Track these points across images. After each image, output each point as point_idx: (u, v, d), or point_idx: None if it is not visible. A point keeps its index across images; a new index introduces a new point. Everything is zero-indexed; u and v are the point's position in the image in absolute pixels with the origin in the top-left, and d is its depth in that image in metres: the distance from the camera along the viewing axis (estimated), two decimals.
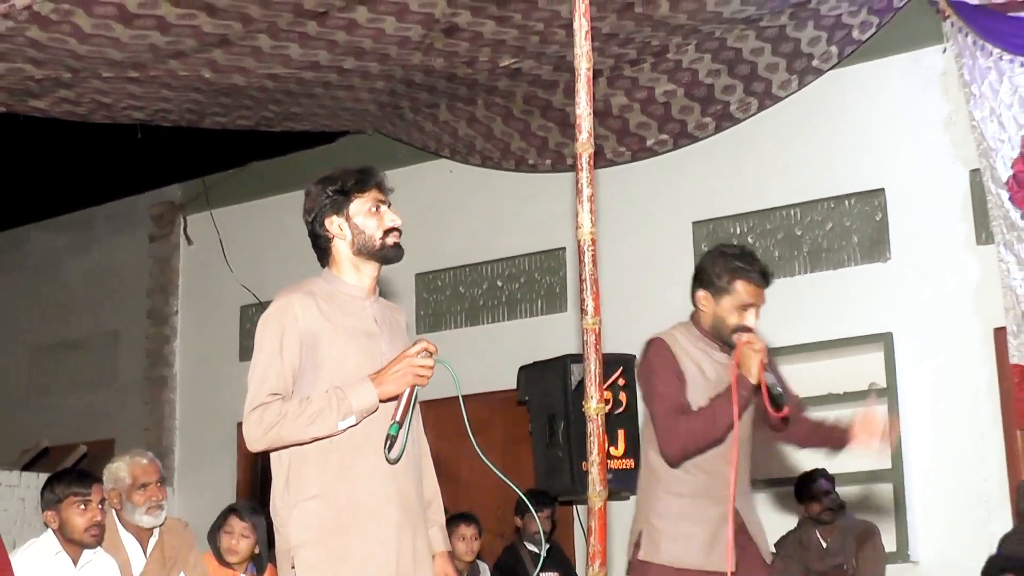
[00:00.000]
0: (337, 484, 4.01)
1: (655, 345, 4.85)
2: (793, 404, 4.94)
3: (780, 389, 4.65)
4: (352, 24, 8.41)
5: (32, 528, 5.64)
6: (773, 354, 9.92)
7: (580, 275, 4.73)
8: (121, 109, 9.54)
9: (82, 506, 5.47)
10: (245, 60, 8.80)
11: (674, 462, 4.69)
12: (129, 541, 5.78)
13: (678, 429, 4.61)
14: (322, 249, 4.35)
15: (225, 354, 12.86)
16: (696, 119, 10.30)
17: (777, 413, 4.59)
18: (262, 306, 12.02)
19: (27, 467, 11.07)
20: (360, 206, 4.23)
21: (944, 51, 9.70)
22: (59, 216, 14.04)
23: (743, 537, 4.67)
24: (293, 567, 3.97)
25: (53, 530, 5.50)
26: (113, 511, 5.78)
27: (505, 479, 4.39)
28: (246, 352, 12.51)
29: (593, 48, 7.77)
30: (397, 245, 4.22)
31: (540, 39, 8.85)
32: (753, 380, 4.54)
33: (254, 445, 3.98)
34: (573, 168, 5.20)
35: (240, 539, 6.53)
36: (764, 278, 4.86)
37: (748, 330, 4.68)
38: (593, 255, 4.78)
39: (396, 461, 3.97)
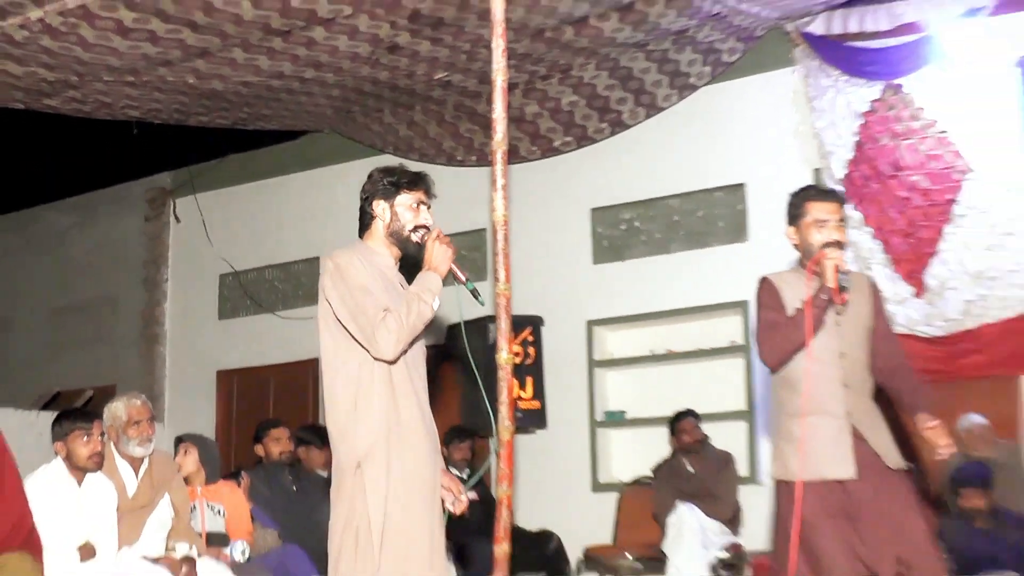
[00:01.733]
0: (391, 412, 4.09)
1: (761, 283, 4.66)
2: (894, 360, 4.67)
3: (845, 283, 4.33)
4: (311, 41, 8.45)
5: (47, 460, 5.65)
6: (660, 317, 10.20)
7: (494, 250, 4.76)
8: (120, 108, 9.52)
9: (85, 438, 5.53)
10: (223, 69, 8.81)
11: (772, 366, 4.50)
12: (124, 467, 5.82)
13: (770, 338, 4.43)
14: (364, 223, 4.36)
15: (207, 314, 12.89)
16: (595, 124, 10.39)
17: (841, 296, 4.29)
18: (237, 275, 12.27)
19: (43, 408, 11.08)
20: (405, 200, 4.28)
21: (794, 72, 9.81)
22: (67, 198, 13.97)
23: (863, 447, 4.36)
24: (359, 467, 4.03)
25: (62, 458, 5.56)
26: (111, 443, 5.83)
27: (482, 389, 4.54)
28: (224, 312, 12.82)
29: (509, 65, 7.89)
30: (419, 244, 4.24)
31: (467, 57, 8.94)
32: (830, 284, 4.28)
33: (394, 349, 4.01)
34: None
35: (189, 457, 6.60)
36: (828, 193, 4.68)
37: (830, 244, 4.42)
38: (505, 234, 4.90)
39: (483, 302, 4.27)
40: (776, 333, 4.40)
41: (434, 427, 4.33)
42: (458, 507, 4.32)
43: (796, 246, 4.60)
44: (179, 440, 6.76)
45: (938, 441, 4.45)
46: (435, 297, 4.09)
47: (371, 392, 4.09)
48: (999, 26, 8.88)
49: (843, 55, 9.45)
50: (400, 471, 4.06)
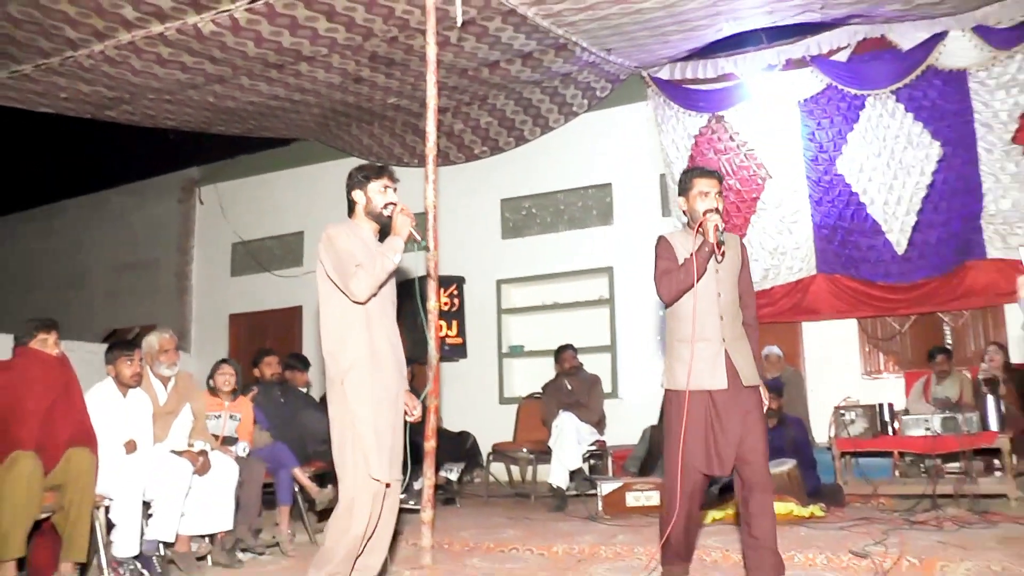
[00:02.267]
0: (368, 334, 4.07)
1: (659, 240, 4.39)
2: (745, 300, 4.46)
3: (723, 240, 4.21)
4: (298, 73, 8.36)
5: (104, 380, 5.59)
6: (549, 278, 10.24)
7: (426, 227, 4.74)
8: (161, 119, 9.36)
9: (129, 362, 5.45)
10: (234, 92, 8.70)
11: (666, 303, 4.31)
12: (157, 384, 5.72)
13: (667, 281, 4.21)
14: (350, 208, 4.32)
15: (222, 272, 12.73)
16: (504, 139, 10.40)
17: (720, 249, 4.15)
18: (245, 243, 12.08)
19: (103, 342, 10.94)
20: (375, 186, 4.25)
21: (647, 104, 9.87)
22: (124, 185, 13.88)
23: (731, 366, 4.17)
24: (343, 383, 4.04)
25: (112, 377, 5.47)
26: (147, 366, 5.74)
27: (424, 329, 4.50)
28: (235, 271, 12.71)
29: (442, 94, 7.89)
30: (390, 217, 4.18)
31: (412, 87, 8.88)
32: (711, 239, 4.11)
33: (364, 293, 4.01)
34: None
35: (228, 377, 6.52)
36: (710, 172, 4.39)
37: (710, 211, 4.21)
38: (434, 215, 4.92)
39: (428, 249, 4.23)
40: (671, 277, 4.22)
41: (401, 354, 4.25)
42: (412, 418, 4.29)
43: (684, 212, 4.41)
44: (223, 362, 6.68)
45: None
46: (396, 254, 4.06)
47: (352, 327, 4.08)
48: (787, 78, 9.10)
49: (681, 94, 9.54)
50: (374, 386, 4.04)
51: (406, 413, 4.25)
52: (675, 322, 4.32)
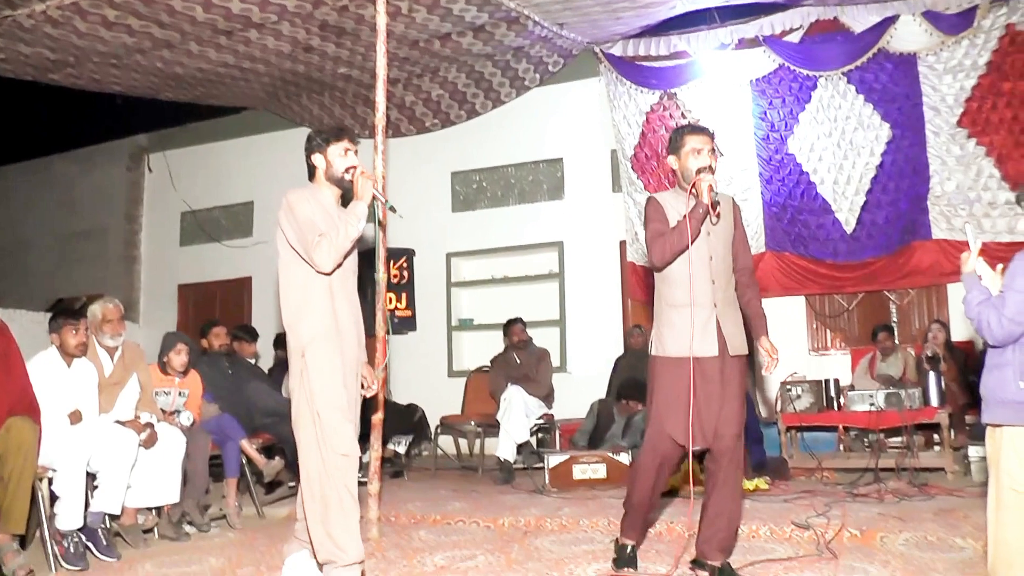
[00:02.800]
0: (331, 305, 3.95)
1: (649, 201, 4.28)
2: (743, 260, 4.34)
3: (718, 201, 4.07)
4: (248, 40, 8.18)
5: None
6: (499, 252, 10.24)
7: (375, 198, 4.63)
8: (107, 83, 9.11)
9: (74, 331, 5.33)
10: (182, 58, 8.49)
11: (659, 267, 4.16)
12: (103, 354, 5.61)
13: (660, 244, 4.06)
14: (310, 173, 4.17)
15: (171, 242, 12.59)
16: (455, 112, 10.32)
17: (715, 210, 4.03)
18: (194, 212, 11.95)
19: (48, 311, 10.74)
20: (335, 150, 4.09)
21: (599, 80, 9.88)
22: (70, 151, 13.58)
23: (721, 334, 4.07)
24: (303, 356, 3.92)
25: (56, 347, 5.35)
26: (93, 336, 5.62)
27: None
28: (184, 241, 12.59)
29: (393, 65, 7.79)
30: (352, 181, 4.02)
31: (363, 58, 8.74)
32: (705, 200, 3.99)
33: (329, 264, 3.87)
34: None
35: (184, 356, 6.40)
36: (701, 128, 4.26)
37: (704, 169, 4.08)
38: (384, 188, 4.83)
39: (400, 214, 4.14)
40: (664, 240, 4.07)
41: (362, 326, 4.17)
42: (369, 392, 4.23)
43: (675, 171, 4.25)
44: (175, 338, 6.52)
45: (769, 359, 4.22)
46: (359, 220, 3.90)
47: (313, 297, 3.96)
48: (739, 57, 9.14)
49: (634, 71, 9.54)
50: (335, 358, 3.93)
51: (363, 386, 4.18)
52: (665, 286, 4.19)
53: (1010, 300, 3.16)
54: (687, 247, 4.03)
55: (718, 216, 4.12)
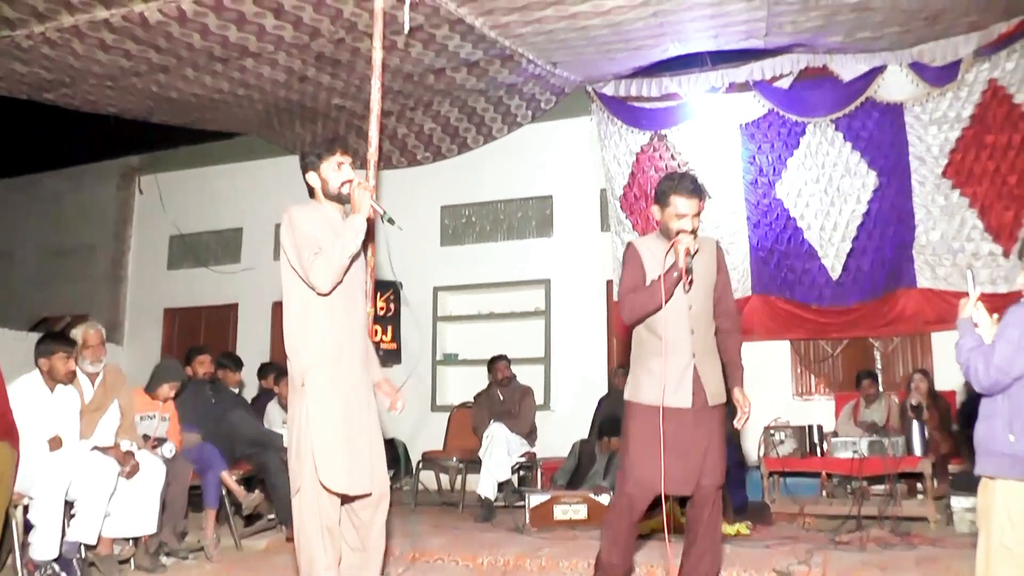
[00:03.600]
0: (332, 328, 3.79)
1: (628, 247, 4.23)
2: (723, 305, 4.29)
3: (692, 267, 3.97)
4: (243, 68, 8.21)
5: (31, 371, 5.37)
6: (486, 287, 10.22)
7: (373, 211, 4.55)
8: (102, 104, 9.09)
9: (67, 358, 5.28)
10: (178, 82, 8.51)
11: (629, 323, 4.13)
12: (83, 379, 5.53)
13: (631, 301, 4.04)
14: (309, 191, 4.01)
15: (159, 264, 12.47)
16: (447, 145, 10.35)
17: (688, 277, 3.93)
18: (183, 236, 11.89)
19: (31, 330, 10.66)
20: (328, 165, 3.93)
21: (590, 119, 9.93)
22: (60, 169, 13.45)
23: (699, 383, 4.02)
24: (303, 384, 3.75)
25: (42, 371, 5.27)
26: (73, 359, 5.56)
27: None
28: (171, 264, 12.47)
29: (386, 98, 7.81)
30: (349, 194, 3.88)
31: (357, 89, 8.78)
32: (680, 264, 3.89)
33: (326, 283, 3.71)
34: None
35: (176, 387, 6.32)
36: (694, 191, 4.10)
37: (684, 231, 3.97)
38: (374, 221, 4.76)
39: (398, 226, 3.84)
40: (635, 298, 4.04)
41: (370, 346, 4.07)
42: (397, 410, 4.11)
43: (657, 221, 4.17)
44: (173, 372, 6.43)
45: (741, 412, 4.14)
46: (357, 234, 3.73)
47: (313, 320, 3.78)
48: (729, 101, 9.21)
49: (625, 111, 9.59)
50: (336, 387, 3.76)
51: (390, 408, 4.04)
52: (646, 333, 4.14)
53: (999, 349, 3.15)
54: (657, 309, 4.00)
55: (691, 284, 4.05)
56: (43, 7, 6.77)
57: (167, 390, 6.21)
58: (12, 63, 7.88)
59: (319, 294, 3.77)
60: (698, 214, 4.09)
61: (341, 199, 3.96)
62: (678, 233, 4.00)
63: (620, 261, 9.30)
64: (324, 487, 3.71)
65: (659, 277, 3.98)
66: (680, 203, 4.06)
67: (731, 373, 4.22)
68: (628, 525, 4.15)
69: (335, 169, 3.95)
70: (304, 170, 4.02)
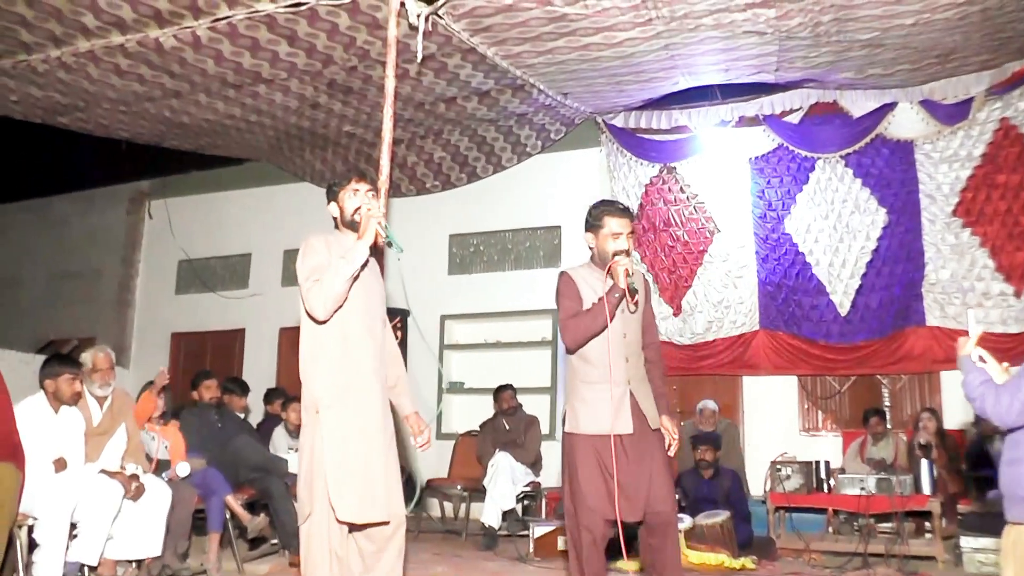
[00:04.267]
0: (345, 357, 3.79)
1: (561, 276, 4.21)
2: (649, 337, 4.32)
3: (636, 286, 4.03)
4: (256, 94, 8.25)
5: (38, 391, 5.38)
6: (493, 316, 10.20)
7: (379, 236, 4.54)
8: (114, 129, 9.14)
9: (72, 380, 5.29)
10: (190, 108, 8.55)
11: (571, 348, 4.11)
12: (92, 402, 5.53)
13: (573, 326, 4.02)
14: (334, 223, 4.07)
15: (166, 289, 12.47)
16: (456, 174, 10.37)
17: (632, 297, 3.98)
18: (191, 261, 11.90)
19: (38, 352, 10.64)
20: (345, 195, 4.00)
21: (600, 150, 9.94)
22: (70, 192, 13.47)
23: (637, 409, 4.04)
24: (317, 412, 3.74)
25: (47, 392, 5.26)
26: (83, 383, 5.57)
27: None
28: (179, 289, 12.45)
29: (397, 126, 7.85)
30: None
31: (368, 117, 8.82)
32: (621, 285, 3.93)
33: (321, 310, 3.72)
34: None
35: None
36: (624, 211, 4.19)
37: (620, 253, 4.02)
38: (382, 249, 4.76)
39: (397, 250, 3.83)
40: (578, 322, 4.02)
41: (404, 379, 4.08)
42: (421, 444, 4.09)
43: (591, 248, 4.21)
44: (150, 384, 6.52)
45: (670, 439, 4.14)
46: (355, 259, 3.72)
47: (324, 348, 3.79)
48: (739, 134, 9.25)
49: (634, 142, 9.62)
50: (347, 416, 3.74)
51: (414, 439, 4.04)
52: (580, 363, 4.12)
53: None
54: (602, 330, 3.99)
55: (636, 304, 4.10)
56: (60, 32, 6.82)
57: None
58: (28, 87, 7.94)
59: (317, 322, 3.77)
60: (631, 233, 4.14)
61: (356, 226, 3.94)
62: (615, 255, 4.03)
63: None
64: (337, 519, 3.69)
65: (600, 299, 4.01)
66: (613, 223, 4.11)
67: (657, 403, 4.22)
68: (597, 560, 4.04)
69: (351, 196, 3.99)
70: (328, 201, 4.07)
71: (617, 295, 3.98)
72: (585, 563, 4.03)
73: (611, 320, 3.96)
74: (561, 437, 4.21)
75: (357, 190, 4.00)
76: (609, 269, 4.02)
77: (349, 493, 3.69)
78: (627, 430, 4.01)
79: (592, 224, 4.19)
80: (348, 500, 3.68)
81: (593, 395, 4.03)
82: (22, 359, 9.66)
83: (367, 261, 3.90)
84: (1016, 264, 8.10)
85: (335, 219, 4.07)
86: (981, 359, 3.31)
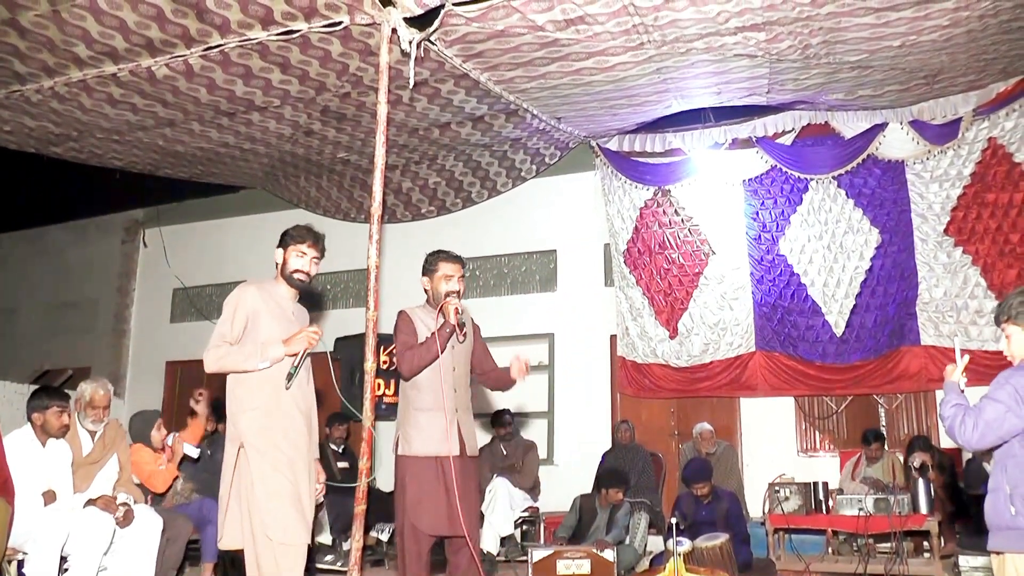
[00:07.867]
0: (267, 401, 4.03)
1: (400, 315, 4.66)
2: (489, 364, 4.88)
3: (464, 322, 4.54)
4: (249, 122, 8.22)
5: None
6: (489, 341, 10.12)
7: (367, 286, 4.79)
8: (107, 158, 9.11)
9: (60, 413, 5.24)
10: (183, 136, 8.51)
11: (407, 377, 4.52)
12: (83, 434, 5.48)
13: (409, 357, 4.45)
14: (276, 266, 4.33)
15: (162, 317, 12.43)
16: (451, 199, 10.34)
17: (461, 331, 4.50)
18: (186, 290, 11.83)
19: (33, 382, 10.57)
20: (292, 250, 4.27)
21: (595, 174, 9.96)
22: (65, 222, 13.48)
23: (460, 436, 4.49)
24: (241, 447, 3.98)
25: (35, 424, 5.22)
26: (76, 413, 5.52)
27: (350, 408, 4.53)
28: (174, 317, 12.40)
29: (391, 152, 7.81)
30: (301, 280, 4.25)
31: (362, 143, 8.79)
32: (452, 321, 4.43)
33: (210, 368, 4.04)
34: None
35: (161, 428, 6.33)
36: (456, 258, 4.70)
37: (452, 293, 4.53)
38: (376, 275, 4.83)
39: (289, 388, 4.06)
40: (413, 353, 4.45)
41: (314, 417, 4.21)
42: (316, 491, 4.23)
43: (426, 291, 4.67)
44: (148, 416, 6.49)
45: (520, 367, 4.62)
46: (261, 360, 4.00)
47: (251, 389, 4.03)
48: (732, 157, 9.26)
49: (629, 166, 9.62)
50: (270, 450, 3.96)
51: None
52: (413, 391, 4.53)
53: (988, 408, 3.14)
54: (434, 359, 4.44)
55: (464, 336, 4.57)
56: (53, 62, 6.78)
57: (156, 435, 6.29)
58: (22, 117, 7.90)
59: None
60: (462, 277, 4.66)
61: (292, 283, 4.27)
62: (447, 295, 4.53)
63: (624, 315, 9.40)
64: (277, 541, 3.92)
65: (432, 333, 4.47)
66: (446, 267, 4.64)
67: (507, 376, 4.72)
68: (421, 571, 4.53)
69: (298, 255, 4.28)
70: (277, 245, 4.35)
71: (448, 330, 4.46)
72: (413, 567, 4.51)
73: (442, 352, 4.43)
74: (394, 461, 4.58)
75: (304, 253, 4.27)
76: (441, 307, 4.50)
77: (284, 514, 3.92)
78: (454, 452, 4.46)
79: (428, 269, 4.69)
80: (285, 522, 3.91)
81: (426, 420, 4.49)
82: (17, 390, 9.61)
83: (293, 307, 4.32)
84: (1008, 282, 8.07)
85: (276, 264, 4.32)
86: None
